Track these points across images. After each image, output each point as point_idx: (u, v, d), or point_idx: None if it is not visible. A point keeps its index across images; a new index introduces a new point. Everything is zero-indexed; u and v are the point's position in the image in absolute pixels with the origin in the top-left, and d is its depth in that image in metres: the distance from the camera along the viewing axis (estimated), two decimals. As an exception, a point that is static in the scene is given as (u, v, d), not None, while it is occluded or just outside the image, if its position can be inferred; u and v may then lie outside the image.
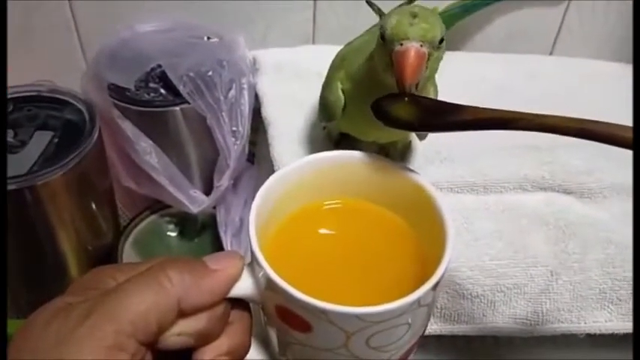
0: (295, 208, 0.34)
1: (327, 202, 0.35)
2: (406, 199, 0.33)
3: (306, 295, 0.27)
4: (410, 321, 0.28)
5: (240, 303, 0.29)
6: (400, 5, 0.36)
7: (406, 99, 0.32)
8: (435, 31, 0.32)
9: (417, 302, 0.27)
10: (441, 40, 0.32)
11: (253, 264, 0.29)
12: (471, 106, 0.32)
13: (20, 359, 0.24)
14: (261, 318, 0.32)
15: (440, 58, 0.34)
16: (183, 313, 0.26)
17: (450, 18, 0.54)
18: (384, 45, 0.32)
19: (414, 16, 0.32)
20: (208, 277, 0.27)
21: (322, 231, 0.34)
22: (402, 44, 0.31)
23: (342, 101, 0.38)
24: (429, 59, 0.32)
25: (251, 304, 0.30)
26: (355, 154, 0.34)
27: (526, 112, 0.30)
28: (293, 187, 0.33)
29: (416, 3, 0.33)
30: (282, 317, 0.29)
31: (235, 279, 0.28)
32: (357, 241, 0.34)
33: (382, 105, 0.33)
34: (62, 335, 0.24)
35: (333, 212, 0.35)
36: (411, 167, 0.34)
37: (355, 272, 0.32)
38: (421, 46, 0.31)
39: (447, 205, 0.32)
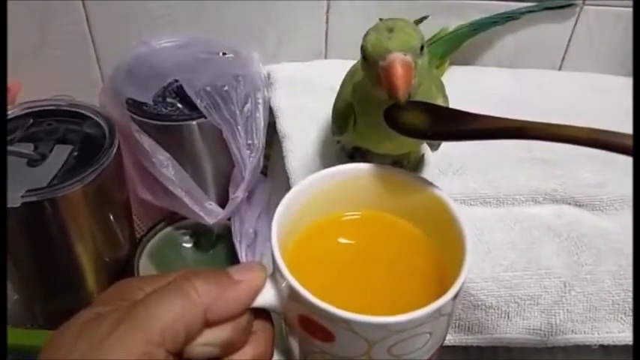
0: (315, 220, 0.35)
1: (346, 214, 0.36)
2: (424, 211, 0.34)
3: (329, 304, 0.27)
4: (431, 330, 0.29)
5: (262, 313, 0.30)
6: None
7: (419, 107, 0.33)
8: (414, 40, 0.32)
9: (438, 311, 0.28)
10: (422, 48, 0.33)
11: (276, 274, 0.30)
12: (485, 115, 0.32)
13: None
14: (283, 327, 0.33)
15: (425, 66, 0.34)
16: (208, 324, 0.27)
17: (459, 37, 0.55)
18: (368, 64, 0.33)
19: (391, 30, 0.32)
20: (233, 288, 0.28)
21: (342, 241, 0.35)
22: (385, 58, 0.32)
23: (352, 114, 0.39)
24: (415, 68, 0.32)
25: (272, 314, 0.31)
26: (374, 167, 0.35)
27: (540, 122, 0.30)
28: (313, 198, 0.34)
29: (392, 18, 0.34)
30: (304, 327, 0.30)
31: (259, 289, 0.29)
32: (376, 251, 0.34)
33: (395, 113, 0.34)
34: (92, 345, 0.25)
35: (353, 223, 0.35)
36: (422, 176, 0.35)
37: (374, 282, 0.33)
38: (405, 54, 0.32)
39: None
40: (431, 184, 0.34)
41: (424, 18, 0.43)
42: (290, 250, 0.33)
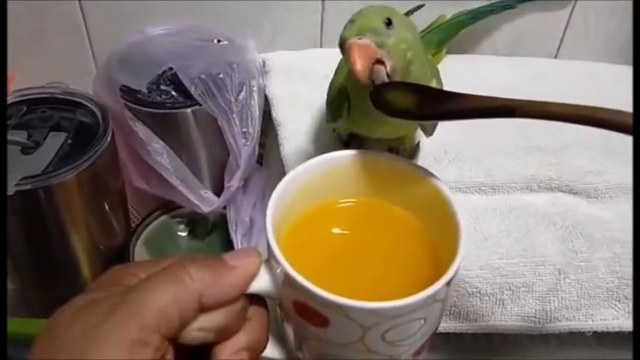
0: (310, 206, 0.35)
1: (341, 200, 0.36)
2: (418, 197, 0.34)
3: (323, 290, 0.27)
4: (424, 316, 0.29)
5: (257, 299, 0.30)
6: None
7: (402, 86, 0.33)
8: (370, 22, 0.33)
9: (432, 297, 0.28)
10: (388, 23, 0.33)
11: (271, 260, 0.29)
12: (473, 94, 0.32)
13: (46, 357, 0.25)
14: (277, 313, 0.33)
15: (409, 42, 0.34)
16: (203, 309, 0.27)
17: (456, 25, 0.54)
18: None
19: (352, 21, 0.33)
20: (228, 273, 0.28)
21: (336, 228, 0.35)
22: (344, 47, 0.33)
23: (345, 100, 0.39)
24: (382, 47, 0.32)
25: (267, 300, 0.31)
26: (369, 154, 0.35)
27: (528, 100, 0.30)
28: (308, 185, 0.34)
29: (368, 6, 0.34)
30: (299, 313, 0.30)
31: (254, 275, 0.28)
32: (370, 238, 0.34)
33: (381, 94, 0.34)
34: (87, 331, 0.24)
35: (347, 210, 0.35)
36: (417, 163, 0.35)
37: (368, 268, 0.33)
38: (360, 38, 0.32)
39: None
40: (426, 171, 0.34)
41: (419, 7, 0.43)
42: (285, 236, 0.33)
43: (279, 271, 0.29)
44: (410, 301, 0.27)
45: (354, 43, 0.32)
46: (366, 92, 0.35)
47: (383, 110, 0.34)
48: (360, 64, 0.32)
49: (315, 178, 0.34)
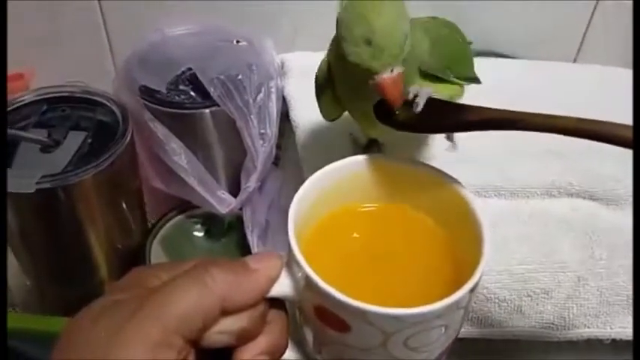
0: (331, 210, 0.35)
1: (363, 205, 0.35)
2: (441, 203, 0.34)
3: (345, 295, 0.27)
4: (447, 323, 0.29)
5: (277, 302, 0.30)
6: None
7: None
8: (396, 48, 0.30)
9: (456, 304, 0.28)
10: (405, 38, 0.31)
11: (292, 264, 0.29)
12: (473, 106, 0.32)
13: (69, 358, 0.25)
14: (297, 317, 0.33)
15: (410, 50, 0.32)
16: (225, 312, 0.27)
17: None
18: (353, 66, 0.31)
19: (369, 43, 0.30)
20: (250, 277, 0.28)
21: (358, 233, 0.35)
22: (374, 78, 0.31)
23: (326, 74, 0.37)
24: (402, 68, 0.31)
25: (287, 304, 0.30)
26: (391, 158, 0.35)
27: (528, 112, 0.30)
28: (330, 189, 0.34)
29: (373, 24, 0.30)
30: (320, 317, 0.29)
31: (275, 279, 0.28)
32: (393, 243, 0.34)
33: (383, 108, 0.33)
34: (111, 332, 0.25)
35: (369, 214, 0.35)
36: (438, 167, 0.35)
37: (389, 273, 0.33)
38: (392, 71, 0.31)
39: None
40: (449, 176, 0.34)
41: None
42: (306, 240, 0.33)
43: (300, 275, 0.29)
44: (434, 307, 0.27)
45: (391, 78, 0.30)
46: (354, 89, 0.35)
47: (385, 122, 0.34)
48: (398, 98, 0.31)
49: (337, 182, 0.34)
